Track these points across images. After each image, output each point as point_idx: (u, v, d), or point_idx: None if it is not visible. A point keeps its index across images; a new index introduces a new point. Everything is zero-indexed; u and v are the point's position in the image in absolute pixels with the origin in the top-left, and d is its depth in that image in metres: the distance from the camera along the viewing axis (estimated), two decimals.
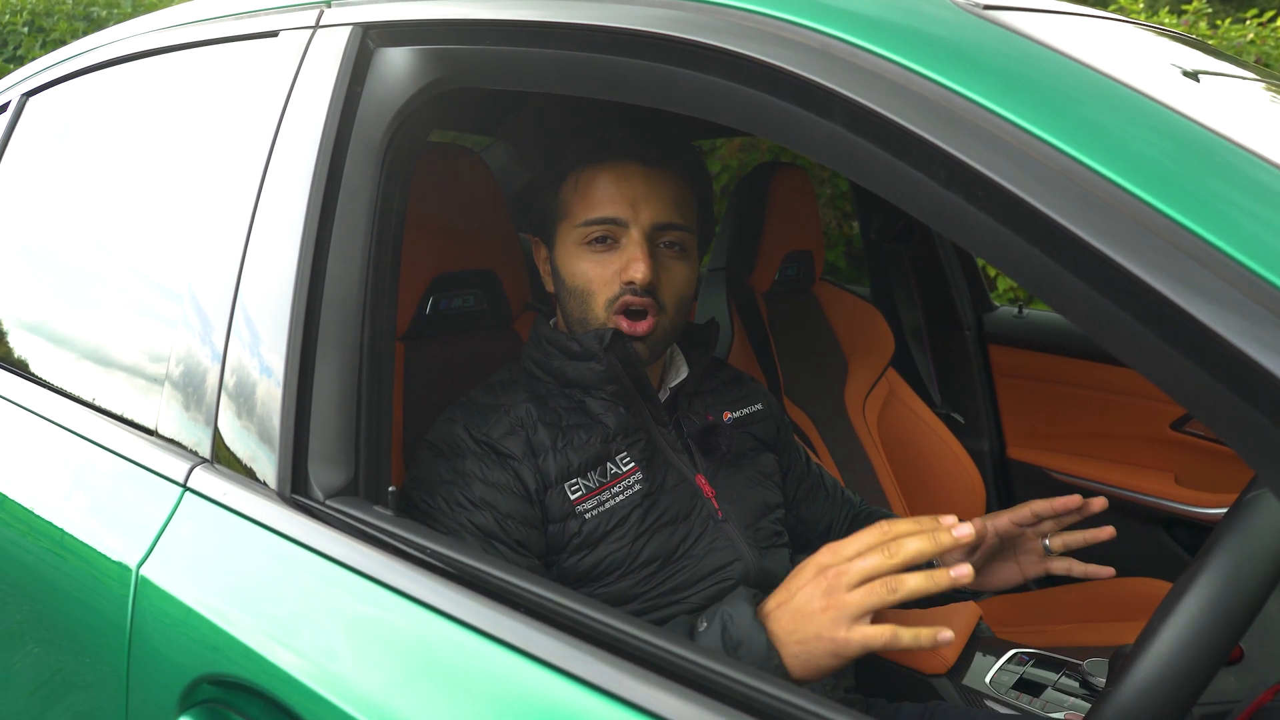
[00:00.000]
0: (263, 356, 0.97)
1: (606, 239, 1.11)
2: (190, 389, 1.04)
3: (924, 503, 2.00)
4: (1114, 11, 1.77)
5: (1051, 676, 1.42)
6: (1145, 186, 0.58)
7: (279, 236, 0.98)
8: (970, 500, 1.99)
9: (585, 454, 1.08)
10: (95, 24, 4.78)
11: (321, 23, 1.04)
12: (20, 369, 1.38)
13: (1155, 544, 2.10)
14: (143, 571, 0.97)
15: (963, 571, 0.77)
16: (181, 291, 1.09)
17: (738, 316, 1.91)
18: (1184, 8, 3.82)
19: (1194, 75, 0.84)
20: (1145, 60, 0.85)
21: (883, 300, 2.56)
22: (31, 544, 1.16)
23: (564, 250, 1.14)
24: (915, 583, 0.79)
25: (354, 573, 0.84)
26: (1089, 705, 1.15)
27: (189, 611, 0.92)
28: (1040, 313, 2.46)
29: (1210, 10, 3.82)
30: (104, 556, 1.02)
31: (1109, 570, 1.07)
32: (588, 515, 1.07)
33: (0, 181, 1.55)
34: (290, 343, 0.94)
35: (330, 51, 1.01)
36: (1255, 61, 3.22)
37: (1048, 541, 1.10)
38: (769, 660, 0.84)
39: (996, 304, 2.57)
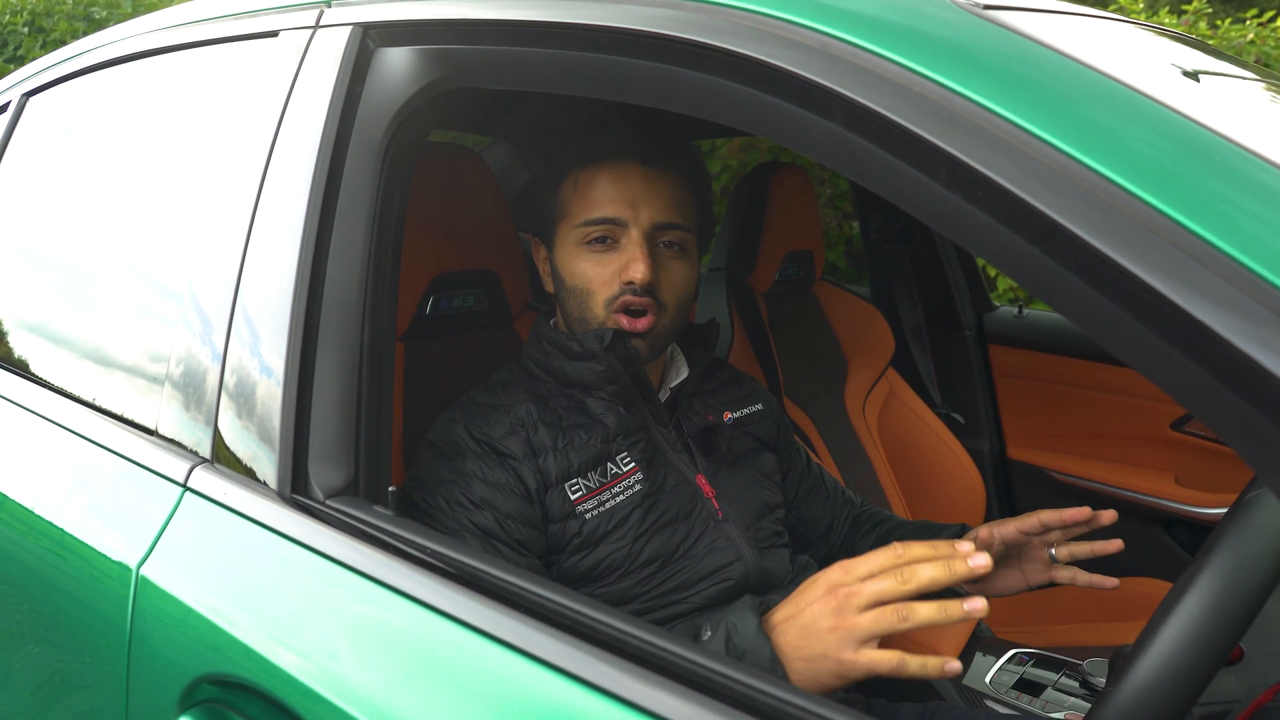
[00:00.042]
0: (263, 356, 0.97)
1: (606, 239, 1.11)
2: (190, 389, 1.04)
3: (924, 502, 2.00)
4: (1114, 11, 1.77)
5: (1051, 676, 1.42)
6: (1145, 186, 0.58)
7: (279, 236, 0.98)
8: (970, 500, 1.99)
9: (585, 454, 1.08)
10: (95, 24, 4.77)
11: (321, 23, 1.04)
12: (20, 369, 1.38)
13: (1155, 544, 2.10)
14: (143, 571, 0.97)
15: (976, 606, 0.76)
16: (182, 291, 1.09)
17: (738, 316, 1.91)
18: (1184, 8, 3.81)
19: (1194, 75, 0.84)
20: (1145, 60, 0.85)
21: (883, 300, 2.55)
22: (32, 544, 1.16)
23: (564, 250, 1.14)
24: (927, 613, 0.79)
25: (354, 573, 0.84)
26: (1089, 705, 1.15)
27: (189, 611, 0.92)
28: (1040, 313, 2.45)
29: (1210, 10, 3.82)
30: (104, 556, 1.02)
31: (1113, 581, 1.08)
32: (588, 515, 1.07)
33: (0, 181, 1.55)
34: (290, 343, 0.94)
35: (330, 51, 1.01)
36: (1255, 61, 3.21)
37: (1054, 551, 1.10)
38: (772, 674, 0.84)
39: (996, 304, 2.57)
